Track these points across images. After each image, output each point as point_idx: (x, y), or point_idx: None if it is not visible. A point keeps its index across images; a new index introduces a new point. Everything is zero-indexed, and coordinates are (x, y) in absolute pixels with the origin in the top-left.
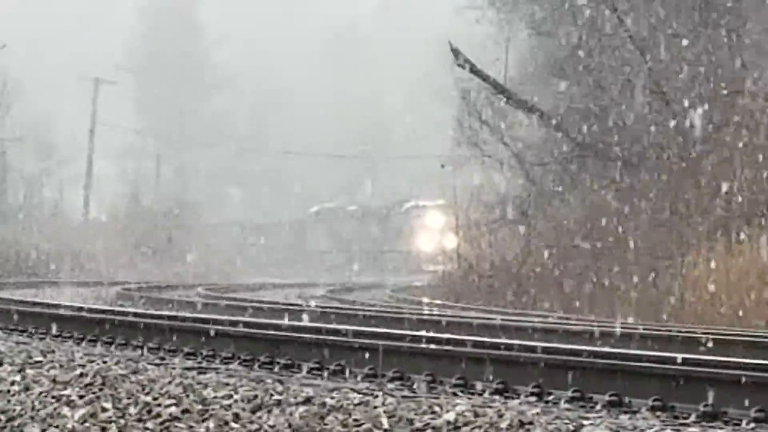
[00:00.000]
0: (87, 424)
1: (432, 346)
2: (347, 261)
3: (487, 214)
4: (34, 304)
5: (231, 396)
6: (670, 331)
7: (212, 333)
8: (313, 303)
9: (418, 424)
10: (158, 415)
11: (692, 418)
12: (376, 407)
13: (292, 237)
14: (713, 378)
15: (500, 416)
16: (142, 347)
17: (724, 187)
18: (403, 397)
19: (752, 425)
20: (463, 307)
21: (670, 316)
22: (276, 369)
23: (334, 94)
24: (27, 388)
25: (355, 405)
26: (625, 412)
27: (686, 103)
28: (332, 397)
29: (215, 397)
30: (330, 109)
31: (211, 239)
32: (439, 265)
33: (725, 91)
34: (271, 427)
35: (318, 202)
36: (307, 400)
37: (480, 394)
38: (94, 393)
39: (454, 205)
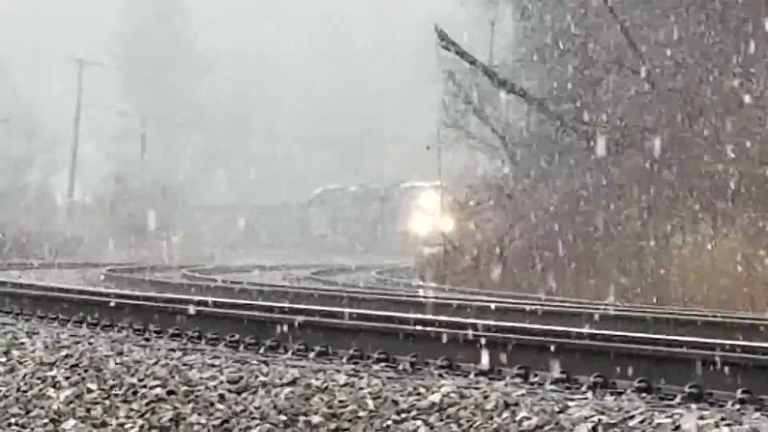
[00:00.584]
0: (72, 405)
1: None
2: (350, 243)
3: (471, 195)
4: (20, 285)
5: (216, 377)
6: (646, 312)
7: (193, 313)
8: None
9: (403, 406)
10: (144, 396)
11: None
12: (361, 388)
13: (295, 219)
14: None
15: (485, 398)
16: (127, 329)
17: (710, 168)
18: (389, 378)
19: (737, 406)
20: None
21: (655, 297)
22: (261, 350)
23: (321, 78)
24: (12, 370)
25: (341, 386)
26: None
27: (672, 84)
28: (317, 378)
29: (200, 378)
30: (317, 93)
31: (198, 221)
32: (435, 246)
33: (712, 74)
34: (257, 408)
35: (305, 186)
36: (293, 382)
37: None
38: (79, 374)
39: (441, 187)
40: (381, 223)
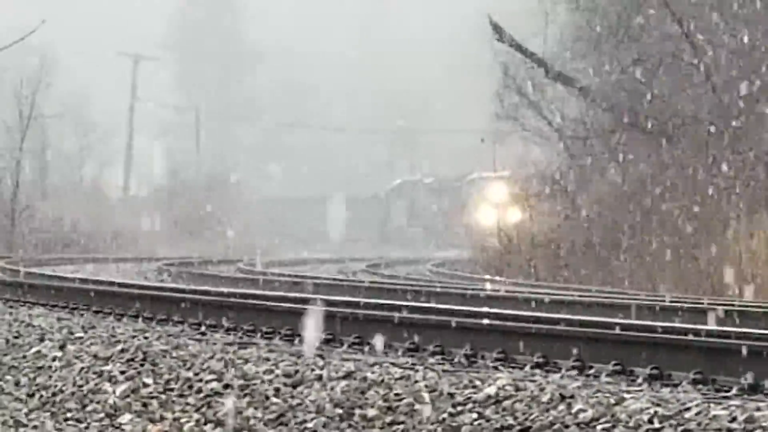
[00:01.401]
0: (128, 400)
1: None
2: (425, 235)
3: (527, 188)
4: (75, 280)
5: (272, 371)
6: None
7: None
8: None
9: (458, 398)
10: (199, 390)
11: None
12: (417, 381)
13: (378, 211)
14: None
15: (541, 390)
16: (182, 322)
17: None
18: (444, 371)
19: None
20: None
21: (711, 289)
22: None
23: (372, 70)
24: (68, 364)
25: (396, 379)
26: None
27: (727, 77)
28: (373, 372)
29: (256, 372)
30: (368, 85)
31: (254, 215)
32: (493, 238)
33: (765, 66)
34: (312, 401)
35: (355, 178)
36: (348, 375)
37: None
38: (135, 368)
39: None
40: (452, 214)
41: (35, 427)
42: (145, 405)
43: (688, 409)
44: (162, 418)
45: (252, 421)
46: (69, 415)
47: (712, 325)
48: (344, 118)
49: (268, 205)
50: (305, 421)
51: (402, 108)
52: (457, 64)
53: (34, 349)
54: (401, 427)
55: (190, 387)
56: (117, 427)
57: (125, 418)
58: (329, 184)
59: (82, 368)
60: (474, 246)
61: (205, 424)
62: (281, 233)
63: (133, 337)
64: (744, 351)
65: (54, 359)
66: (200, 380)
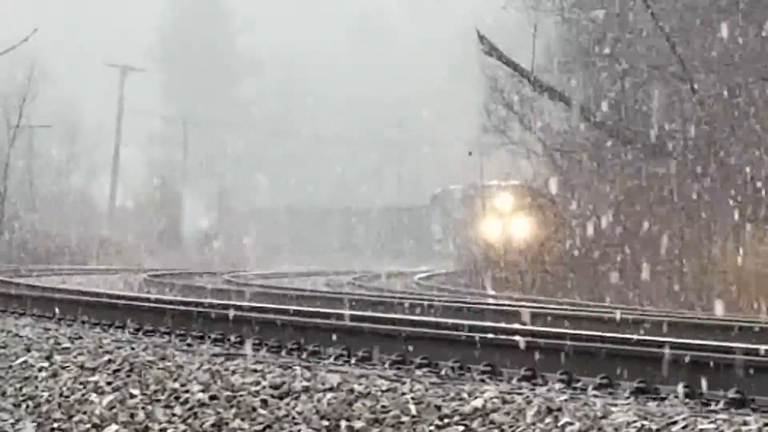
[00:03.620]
0: (115, 410)
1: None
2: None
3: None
4: (62, 290)
5: (259, 382)
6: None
7: (232, 318)
8: None
9: (445, 411)
10: (186, 401)
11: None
12: (404, 394)
13: (408, 223)
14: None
15: (528, 403)
16: (169, 333)
17: (750, 174)
18: (431, 383)
19: None
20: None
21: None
22: (303, 355)
23: (361, 81)
24: (55, 375)
25: (383, 391)
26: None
27: (713, 90)
28: (360, 384)
29: (243, 384)
30: (358, 96)
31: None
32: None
33: (752, 79)
34: (299, 413)
35: (344, 189)
36: (335, 387)
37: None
38: (122, 379)
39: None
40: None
41: None
42: (131, 415)
43: None
44: (148, 429)
45: None
46: (55, 425)
47: None
48: (332, 128)
49: (257, 215)
50: None
51: (391, 117)
52: (448, 76)
53: (20, 360)
54: None
55: (177, 398)
56: None
57: (111, 428)
58: (319, 194)
59: (69, 378)
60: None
61: None
62: (271, 244)
63: (120, 347)
64: None
65: (41, 369)
66: (187, 391)
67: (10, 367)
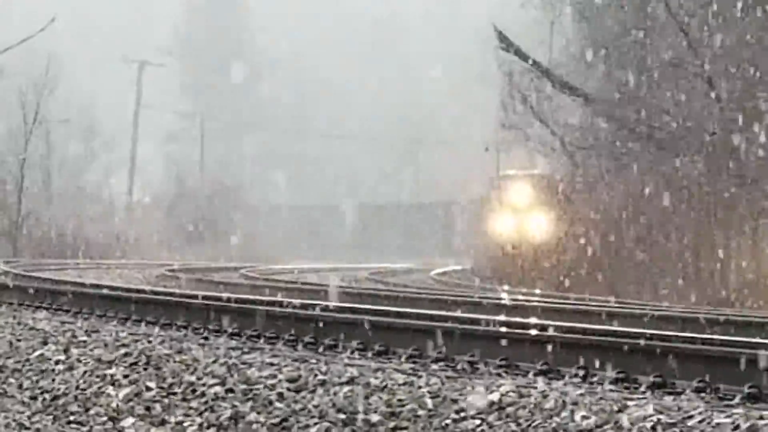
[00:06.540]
0: (131, 403)
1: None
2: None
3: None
4: (79, 284)
5: (275, 376)
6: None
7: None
8: None
9: (462, 404)
10: (202, 394)
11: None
12: (420, 387)
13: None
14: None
15: (545, 397)
16: (186, 327)
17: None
18: (447, 377)
19: None
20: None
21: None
22: (320, 349)
23: (377, 80)
24: (71, 368)
25: (399, 385)
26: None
27: (731, 88)
28: (376, 377)
29: (259, 377)
30: (373, 95)
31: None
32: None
33: None
34: (315, 407)
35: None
36: (351, 380)
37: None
38: (138, 372)
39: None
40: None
41: (38, 430)
42: (148, 408)
43: None
44: (164, 422)
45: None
46: (72, 418)
47: None
48: (350, 127)
49: (274, 212)
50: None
51: (407, 116)
52: (463, 74)
53: (37, 353)
54: None
55: (194, 391)
56: (119, 431)
57: (128, 421)
58: (336, 192)
59: (86, 371)
60: (477, 253)
61: (208, 428)
62: (289, 240)
63: (137, 341)
64: None
65: (57, 363)
66: (203, 384)
67: (27, 360)
